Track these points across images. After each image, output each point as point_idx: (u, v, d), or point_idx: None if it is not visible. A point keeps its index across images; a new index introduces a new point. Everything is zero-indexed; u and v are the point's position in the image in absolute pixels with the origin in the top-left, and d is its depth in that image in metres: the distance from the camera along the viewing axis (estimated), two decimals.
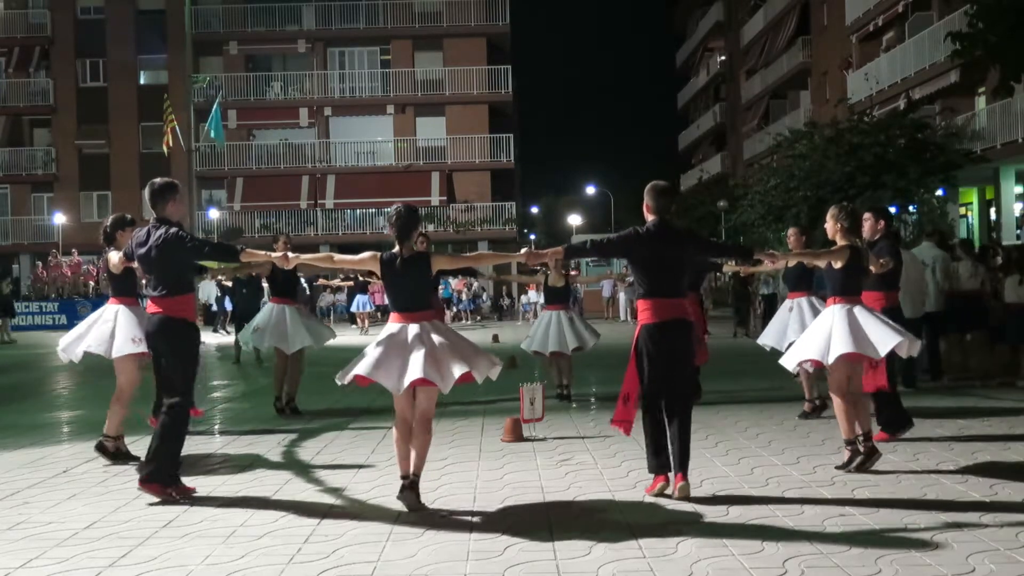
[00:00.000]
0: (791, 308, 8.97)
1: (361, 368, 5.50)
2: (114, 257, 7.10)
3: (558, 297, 10.46)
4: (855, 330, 6.37)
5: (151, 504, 5.85)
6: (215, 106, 32.98)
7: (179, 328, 6.07)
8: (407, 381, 5.44)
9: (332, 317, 31.86)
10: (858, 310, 6.52)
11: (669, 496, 5.73)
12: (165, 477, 5.95)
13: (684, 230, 6.56)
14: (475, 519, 5.39)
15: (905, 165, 21.40)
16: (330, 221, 41.55)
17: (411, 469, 5.62)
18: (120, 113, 41.84)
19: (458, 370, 5.53)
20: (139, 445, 7.41)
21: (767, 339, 9.16)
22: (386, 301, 6.01)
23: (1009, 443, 7.30)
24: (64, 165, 42.17)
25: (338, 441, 8.11)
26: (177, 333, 6.07)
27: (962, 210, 28.25)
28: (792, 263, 8.52)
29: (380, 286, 30.51)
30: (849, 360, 6.40)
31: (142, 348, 6.81)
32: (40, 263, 34.89)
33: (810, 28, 40.50)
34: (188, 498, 5.94)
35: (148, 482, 5.91)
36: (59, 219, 38.48)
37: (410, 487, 5.58)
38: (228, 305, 22.86)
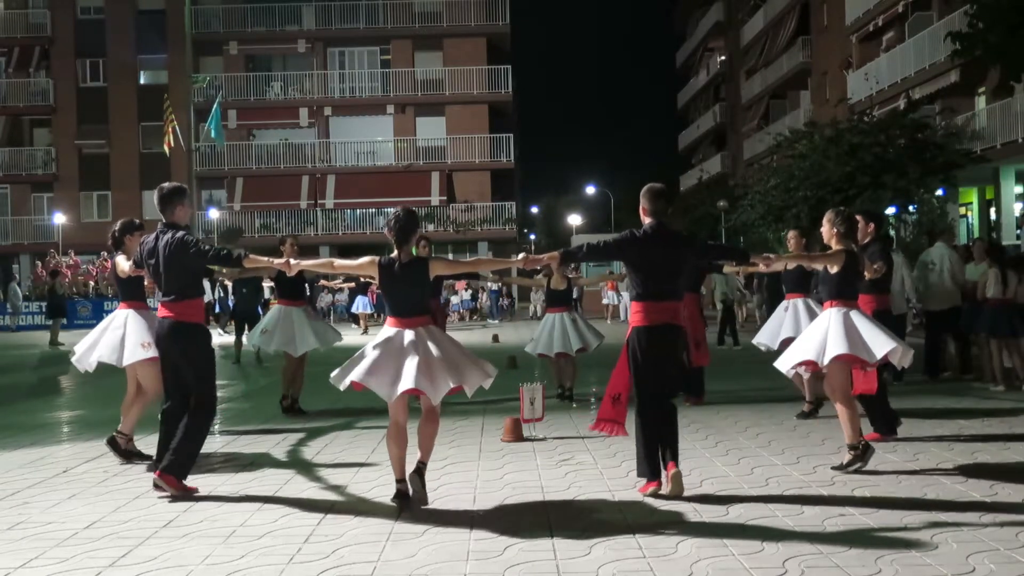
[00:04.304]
0: (787, 308, 9.07)
1: (355, 375, 5.55)
2: (123, 263, 7.09)
3: (560, 299, 10.49)
4: (850, 333, 6.41)
5: (151, 504, 5.86)
6: (215, 106, 33.01)
7: (190, 332, 6.11)
8: (399, 390, 5.48)
9: (332, 317, 31.83)
10: (855, 314, 6.55)
11: (664, 496, 5.73)
12: (181, 472, 6.02)
13: (681, 233, 6.54)
14: (475, 519, 5.40)
15: (905, 165, 21.38)
16: (330, 221, 41.57)
17: (418, 459, 5.71)
18: (120, 113, 41.87)
19: (448, 383, 5.56)
20: (148, 442, 7.43)
21: (762, 338, 9.27)
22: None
23: (1009, 443, 7.30)
24: (64, 165, 42.19)
25: (338, 441, 8.11)
26: (188, 337, 6.10)
27: (962, 210, 28.23)
28: (790, 265, 8.52)
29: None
30: (843, 362, 6.43)
31: (152, 353, 6.79)
32: (39, 263, 34.89)
33: (810, 28, 40.49)
34: (190, 498, 5.96)
35: (165, 473, 5.97)
36: (59, 219, 38.50)
37: (416, 474, 5.66)
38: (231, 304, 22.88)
